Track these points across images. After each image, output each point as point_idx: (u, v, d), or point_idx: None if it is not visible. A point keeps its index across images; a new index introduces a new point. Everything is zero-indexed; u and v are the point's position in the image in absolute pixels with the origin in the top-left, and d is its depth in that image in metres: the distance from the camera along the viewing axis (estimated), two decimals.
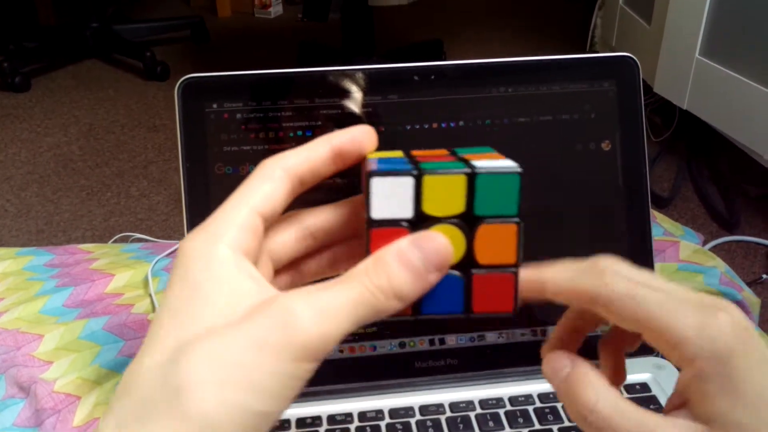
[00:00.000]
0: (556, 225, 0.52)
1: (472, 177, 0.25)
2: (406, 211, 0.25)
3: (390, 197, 0.25)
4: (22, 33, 2.43)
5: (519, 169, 0.26)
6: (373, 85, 0.50)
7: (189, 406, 0.21)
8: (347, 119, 0.50)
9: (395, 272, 0.24)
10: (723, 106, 1.39)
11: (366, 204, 0.25)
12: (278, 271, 0.29)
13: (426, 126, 0.50)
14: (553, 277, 0.28)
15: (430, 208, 0.26)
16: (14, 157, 1.75)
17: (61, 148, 1.79)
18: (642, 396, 0.49)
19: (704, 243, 0.82)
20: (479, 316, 0.26)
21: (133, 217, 1.50)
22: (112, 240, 1.16)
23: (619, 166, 0.52)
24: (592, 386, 0.25)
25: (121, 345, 0.59)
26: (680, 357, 0.25)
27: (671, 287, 0.26)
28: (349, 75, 0.50)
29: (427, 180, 0.25)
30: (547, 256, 0.52)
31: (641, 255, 0.52)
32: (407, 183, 0.25)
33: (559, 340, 0.30)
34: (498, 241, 0.26)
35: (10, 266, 0.70)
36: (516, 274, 0.26)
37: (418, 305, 0.26)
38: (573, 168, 0.52)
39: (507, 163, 0.26)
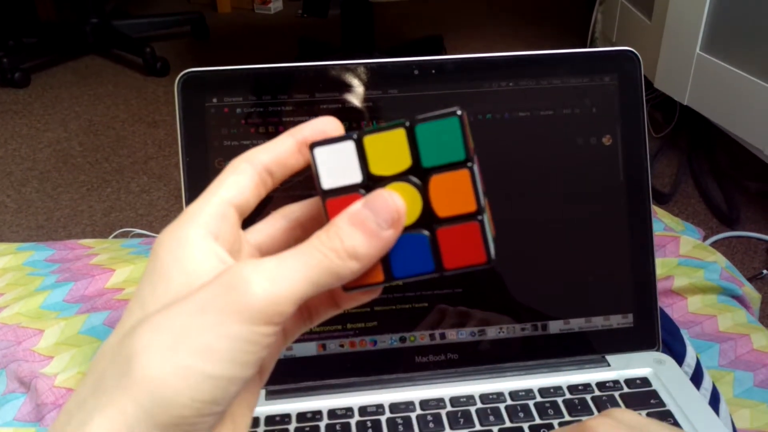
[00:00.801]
0: (556, 220, 0.52)
1: (411, 129, 0.25)
2: (355, 176, 0.25)
3: (336, 165, 0.25)
4: (21, 29, 2.43)
5: (458, 111, 0.24)
6: (373, 79, 0.50)
7: (138, 372, 0.22)
8: (347, 114, 0.50)
9: (347, 233, 0.24)
10: (724, 102, 1.39)
11: (315, 176, 0.25)
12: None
13: None
14: None
15: (377, 168, 0.25)
16: (14, 152, 1.75)
17: (60, 143, 1.79)
18: (643, 390, 0.49)
19: (705, 238, 0.82)
20: (454, 272, 0.25)
21: (134, 212, 1.50)
22: (113, 235, 1.16)
23: (620, 161, 0.52)
24: None
25: None
26: None
27: None
28: (350, 69, 0.50)
29: (368, 140, 0.25)
30: (548, 250, 0.52)
31: (642, 250, 0.52)
32: (349, 147, 0.25)
33: None
34: (454, 191, 0.25)
35: (10, 261, 0.70)
36: (481, 222, 0.25)
37: (389, 268, 0.25)
38: (574, 162, 0.52)
39: (448, 108, 0.25)
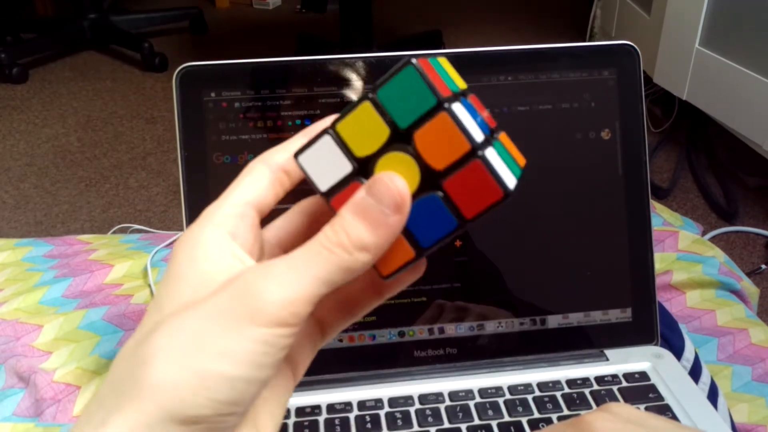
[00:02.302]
0: (555, 214, 0.52)
1: (374, 97, 0.24)
2: (345, 167, 0.25)
3: (324, 164, 0.25)
4: (19, 24, 2.43)
5: (413, 60, 0.23)
6: (372, 73, 0.50)
7: (155, 377, 0.22)
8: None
9: (352, 225, 0.23)
10: (723, 97, 1.39)
11: (310, 183, 0.25)
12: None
13: None
14: None
15: (360, 149, 0.24)
16: (12, 148, 1.75)
17: (59, 139, 1.78)
18: (641, 385, 0.49)
19: (703, 233, 0.82)
20: (479, 218, 0.24)
21: (132, 208, 1.50)
22: (111, 231, 1.15)
23: (618, 155, 0.52)
24: None
25: (120, 335, 0.59)
26: None
27: None
28: (348, 63, 0.50)
29: (341, 126, 0.24)
30: (547, 245, 0.52)
31: (640, 245, 0.52)
32: (327, 142, 0.25)
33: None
34: (441, 139, 0.24)
35: (8, 257, 0.70)
36: (482, 158, 0.23)
37: (415, 242, 0.25)
38: (573, 157, 0.52)
39: (400, 62, 0.24)
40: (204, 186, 0.49)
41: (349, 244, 0.23)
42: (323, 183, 0.25)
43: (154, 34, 2.45)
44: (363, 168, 0.25)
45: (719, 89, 1.39)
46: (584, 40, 2.10)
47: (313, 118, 0.50)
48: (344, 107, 0.25)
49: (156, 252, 0.69)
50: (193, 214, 0.48)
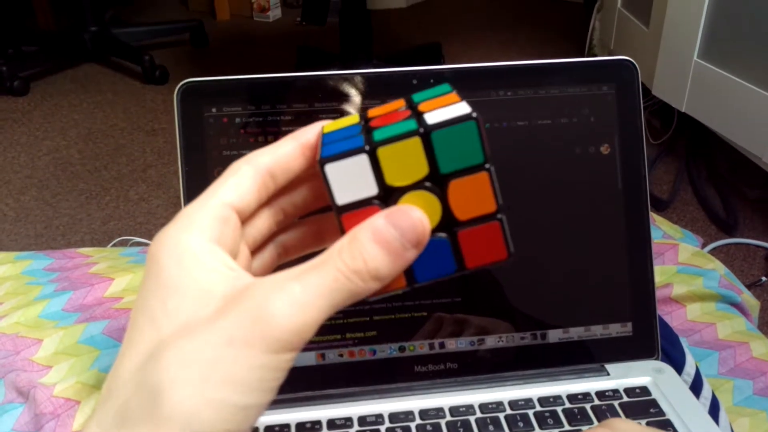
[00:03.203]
0: (555, 229, 0.52)
1: (427, 137, 0.24)
2: (371, 189, 0.24)
3: (350, 179, 0.24)
4: (20, 37, 2.43)
5: (473, 114, 0.24)
6: (372, 89, 0.50)
7: (168, 408, 0.21)
8: None
9: (371, 253, 0.23)
10: (721, 109, 1.39)
11: (328, 192, 0.24)
12: (258, 249, 0.29)
13: None
14: None
15: (393, 179, 0.24)
16: (13, 161, 1.75)
17: (59, 151, 1.79)
18: (643, 400, 0.49)
19: (703, 246, 0.82)
20: (475, 271, 0.25)
21: (132, 220, 1.50)
22: (111, 244, 1.16)
23: (618, 170, 0.52)
24: None
25: (120, 349, 0.59)
26: None
27: None
28: (348, 79, 0.50)
29: (382, 152, 0.24)
30: (547, 259, 0.52)
31: (640, 258, 0.52)
32: (362, 161, 0.24)
33: None
34: (473, 193, 0.24)
35: (8, 270, 0.70)
36: (501, 221, 0.25)
37: (411, 274, 0.25)
38: (572, 172, 0.52)
39: (461, 110, 0.24)
40: None
41: (365, 273, 0.23)
42: (342, 197, 0.24)
43: (154, 46, 2.46)
44: (387, 195, 0.24)
45: (718, 101, 1.40)
46: (583, 53, 2.11)
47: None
48: (386, 128, 0.24)
49: None
50: None
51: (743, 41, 1.32)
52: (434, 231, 0.25)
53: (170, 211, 1.53)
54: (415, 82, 0.50)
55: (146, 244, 0.94)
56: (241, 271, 0.24)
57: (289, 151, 0.27)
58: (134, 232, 1.45)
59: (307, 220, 0.29)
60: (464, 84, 0.51)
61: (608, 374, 0.52)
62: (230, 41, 2.65)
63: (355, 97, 0.50)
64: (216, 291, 0.23)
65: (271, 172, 0.26)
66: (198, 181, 0.49)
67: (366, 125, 0.26)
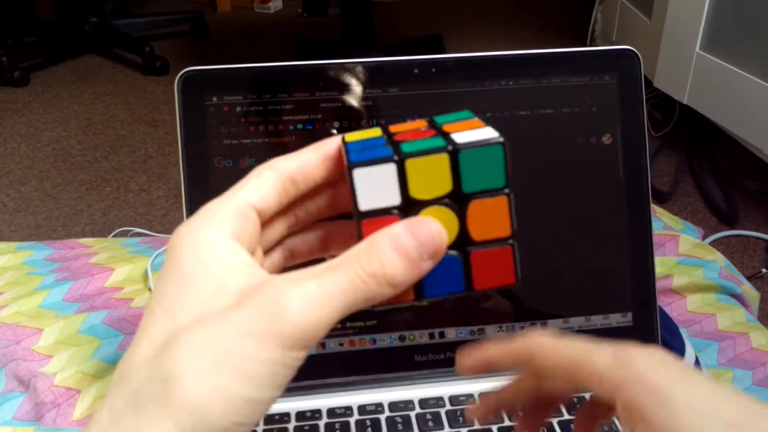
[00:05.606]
0: (556, 218, 0.52)
1: (455, 154, 0.24)
2: (394, 198, 0.25)
3: (375, 186, 0.25)
4: (20, 28, 2.43)
5: (501, 139, 0.25)
6: (373, 78, 0.50)
7: (179, 395, 0.21)
8: (347, 112, 0.50)
9: (389, 259, 0.23)
10: (723, 101, 1.39)
11: (352, 196, 0.25)
12: (269, 250, 0.29)
13: None
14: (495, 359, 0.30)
15: (417, 191, 0.25)
16: (13, 152, 1.75)
17: (60, 142, 1.79)
18: None
19: (704, 237, 0.82)
20: (482, 292, 0.26)
21: (133, 211, 1.50)
22: (112, 234, 1.15)
23: (619, 160, 0.52)
24: None
25: (120, 339, 0.59)
26: (607, 390, 0.26)
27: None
28: (349, 68, 0.50)
29: (410, 164, 0.25)
30: (548, 249, 0.52)
31: (641, 249, 0.52)
32: (390, 170, 0.25)
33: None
34: (490, 216, 0.25)
35: (9, 261, 0.70)
36: (513, 246, 0.26)
37: (419, 288, 0.25)
38: (574, 161, 0.52)
39: (488, 134, 0.25)
40: (205, 190, 0.49)
41: (381, 277, 0.23)
42: (365, 203, 0.25)
43: (155, 37, 2.45)
44: (408, 206, 0.25)
45: (720, 93, 1.39)
46: (585, 45, 2.10)
47: (314, 123, 0.50)
48: (417, 141, 0.25)
49: (156, 255, 0.69)
50: None
51: (745, 33, 1.31)
52: (448, 248, 0.25)
53: (171, 202, 1.53)
54: (416, 71, 0.50)
55: (147, 235, 0.94)
56: (258, 267, 0.25)
57: (311, 159, 0.27)
58: (135, 222, 1.45)
59: (315, 227, 0.30)
60: (466, 74, 0.51)
61: None
62: (231, 33, 2.64)
63: (357, 86, 0.50)
64: (232, 285, 0.24)
65: (292, 178, 0.27)
66: (199, 170, 0.49)
67: (390, 139, 0.26)
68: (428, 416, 0.48)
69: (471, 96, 0.50)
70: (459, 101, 0.50)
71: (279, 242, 0.29)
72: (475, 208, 0.25)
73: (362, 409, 0.48)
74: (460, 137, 0.25)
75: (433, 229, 0.24)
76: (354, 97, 0.50)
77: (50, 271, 0.68)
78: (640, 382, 0.25)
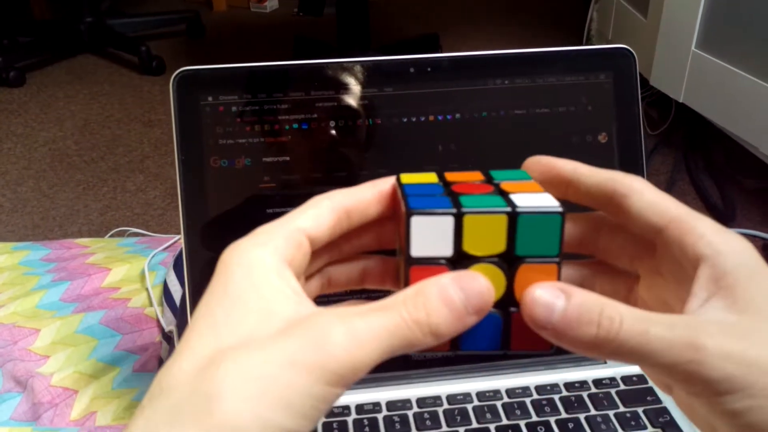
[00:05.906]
0: None
1: (514, 217, 0.25)
2: (446, 250, 0.25)
3: (430, 235, 0.25)
4: (16, 28, 2.43)
5: (561, 209, 0.25)
6: (369, 77, 0.50)
7: (218, 415, 0.21)
8: (343, 112, 0.50)
9: (435, 308, 0.23)
10: (719, 99, 1.39)
11: (405, 241, 0.25)
12: (309, 276, 0.30)
13: (422, 118, 0.50)
14: (586, 171, 0.29)
15: (470, 247, 0.25)
16: (9, 152, 1.74)
17: (56, 143, 1.78)
18: (640, 388, 0.49)
19: None
20: (516, 353, 0.26)
21: (130, 211, 1.50)
22: (109, 235, 1.15)
23: (615, 159, 0.52)
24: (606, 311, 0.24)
25: (117, 339, 0.59)
26: (702, 253, 0.26)
27: None
28: (345, 67, 0.50)
29: (468, 219, 0.25)
30: None
31: None
32: (447, 222, 0.25)
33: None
34: (537, 281, 0.25)
35: (6, 261, 0.70)
36: None
37: (456, 341, 0.26)
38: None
39: (548, 201, 0.26)
40: (201, 190, 0.49)
41: (426, 326, 0.23)
42: (417, 249, 0.25)
43: (151, 37, 2.45)
44: (459, 260, 0.25)
45: (716, 92, 1.40)
46: (581, 43, 2.10)
47: (310, 122, 0.50)
48: (476, 196, 0.26)
49: (153, 256, 0.69)
50: (190, 217, 0.48)
51: (741, 32, 1.32)
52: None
53: (167, 201, 1.53)
54: (412, 70, 0.50)
55: (143, 235, 0.94)
56: (305, 297, 0.25)
57: (368, 196, 0.28)
58: (131, 222, 1.45)
59: (355, 258, 0.30)
60: (462, 73, 0.51)
61: (605, 362, 0.52)
62: (227, 32, 2.64)
63: (353, 85, 0.50)
64: (280, 312, 0.24)
65: (348, 211, 0.27)
66: (194, 170, 0.49)
67: (448, 188, 0.27)
68: (426, 415, 0.48)
69: (466, 95, 0.51)
70: (455, 100, 0.50)
71: (319, 269, 0.30)
72: (524, 271, 0.25)
73: (360, 408, 0.48)
74: (520, 200, 0.25)
75: (483, 285, 0.24)
76: (350, 97, 0.50)
77: (47, 271, 0.68)
78: (743, 253, 0.26)
